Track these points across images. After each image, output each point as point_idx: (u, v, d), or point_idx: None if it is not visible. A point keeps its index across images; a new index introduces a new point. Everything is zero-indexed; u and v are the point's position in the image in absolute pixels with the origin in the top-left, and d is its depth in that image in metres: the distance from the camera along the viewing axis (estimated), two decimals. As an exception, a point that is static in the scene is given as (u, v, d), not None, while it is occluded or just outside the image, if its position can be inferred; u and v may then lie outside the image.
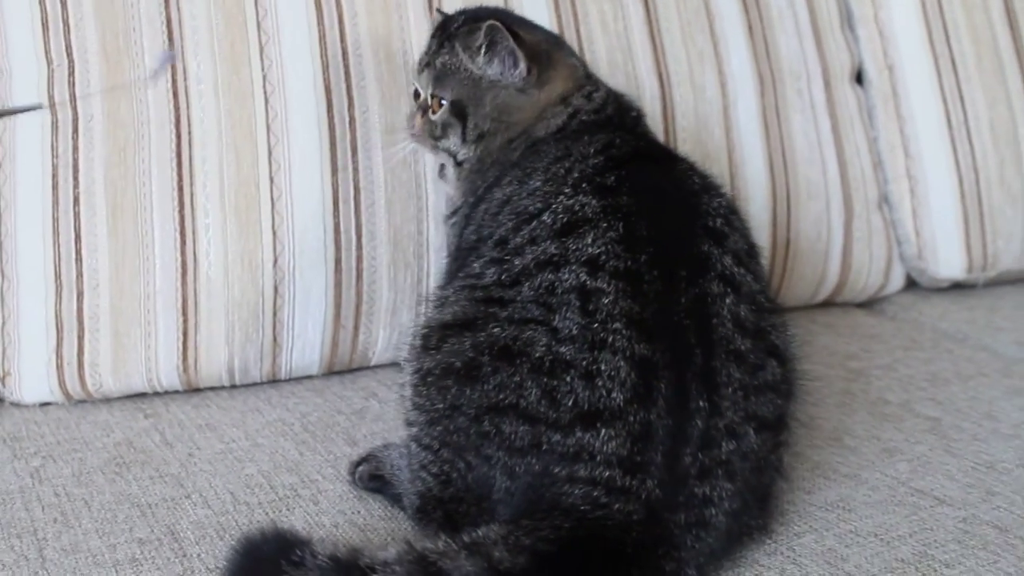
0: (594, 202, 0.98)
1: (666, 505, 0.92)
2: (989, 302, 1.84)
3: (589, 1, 1.58)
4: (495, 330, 0.95)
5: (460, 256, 1.15)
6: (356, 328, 1.45)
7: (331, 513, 1.13)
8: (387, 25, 1.46)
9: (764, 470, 1.00)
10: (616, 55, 1.58)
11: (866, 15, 1.84)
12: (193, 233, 1.37)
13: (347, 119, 1.42)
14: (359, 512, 1.13)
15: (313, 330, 1.43)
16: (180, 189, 1.36)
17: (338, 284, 1.42)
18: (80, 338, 1.35)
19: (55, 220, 1.35)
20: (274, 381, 1.46)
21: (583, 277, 0.94)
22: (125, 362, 1.37)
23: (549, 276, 0.96)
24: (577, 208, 0.98)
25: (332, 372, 1.50)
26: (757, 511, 1.03)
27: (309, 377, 1.48)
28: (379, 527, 1.10)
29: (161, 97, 1.37)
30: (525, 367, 0.93)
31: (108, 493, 1.16)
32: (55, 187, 1.35)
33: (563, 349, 0.92)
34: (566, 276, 0.95)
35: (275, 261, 1.39)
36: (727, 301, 0.96)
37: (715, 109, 1.64)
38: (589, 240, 0.96)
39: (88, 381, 1.36)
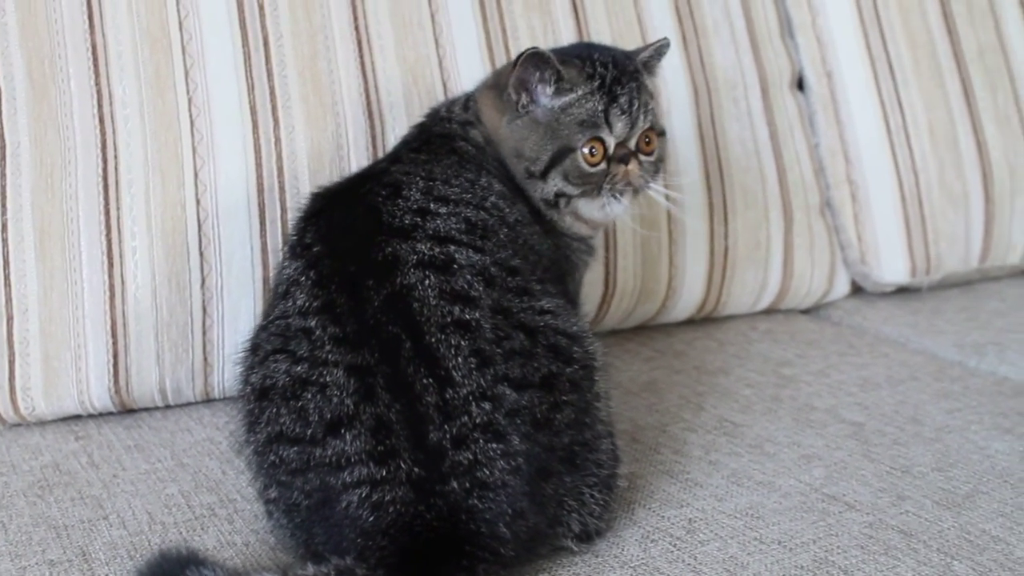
0: (298, 264, 1.13)
1: (431, 479, 0.99)
2: (933, 305, 1.85)
3: (518, 15, 1.60)
4: (252, 378, 1.09)
5: None
6: (287, 346, 1.47)
7: (244, 532, 1.14)
8: (312, 47, 1.48)
9: (550, 426, 1.03)
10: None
11: (804, 22, 1.85)
12: (120, 256, 1.38)
13: (272, 139, 1.44)
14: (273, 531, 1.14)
15: (243, 349, 1.44)
16: (107, 213, 1.38)
17: (267, 303, 1.44)
18: (11, 363, 1.37)
19: (-17, 247, 1.37)
20: (208, 400, 1.48)
21: (300, 322, 1.08)
22: (57, 385, 1.38)
23: (281, 323, 1.10)
24: (288, 274, 1.13)
25: (267, 390, 1.50)
26: (582, 473, 1.06)
27: (244, 395, 1.49)
28: (290, 545, 1.11)
29: (87, 122, 1.39)
30: (277, 397, 1.05)
31: (27, 515, 1.17)
32: (-17, 214, 1.37)
33: (298, 369, 1.04)
34: (293, 322, 1.08)
35: (203, 282, 1.41)
36: (428, 283, 1.05)
37: (649, 120, 1.65)
38: (297, 294, 1.10)
39: (20, 405, 1.38)
